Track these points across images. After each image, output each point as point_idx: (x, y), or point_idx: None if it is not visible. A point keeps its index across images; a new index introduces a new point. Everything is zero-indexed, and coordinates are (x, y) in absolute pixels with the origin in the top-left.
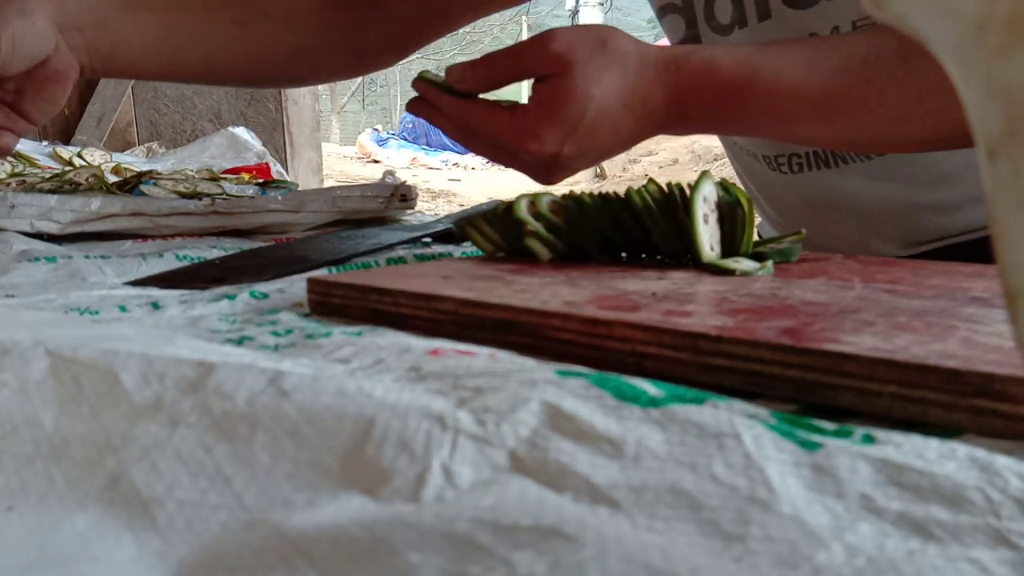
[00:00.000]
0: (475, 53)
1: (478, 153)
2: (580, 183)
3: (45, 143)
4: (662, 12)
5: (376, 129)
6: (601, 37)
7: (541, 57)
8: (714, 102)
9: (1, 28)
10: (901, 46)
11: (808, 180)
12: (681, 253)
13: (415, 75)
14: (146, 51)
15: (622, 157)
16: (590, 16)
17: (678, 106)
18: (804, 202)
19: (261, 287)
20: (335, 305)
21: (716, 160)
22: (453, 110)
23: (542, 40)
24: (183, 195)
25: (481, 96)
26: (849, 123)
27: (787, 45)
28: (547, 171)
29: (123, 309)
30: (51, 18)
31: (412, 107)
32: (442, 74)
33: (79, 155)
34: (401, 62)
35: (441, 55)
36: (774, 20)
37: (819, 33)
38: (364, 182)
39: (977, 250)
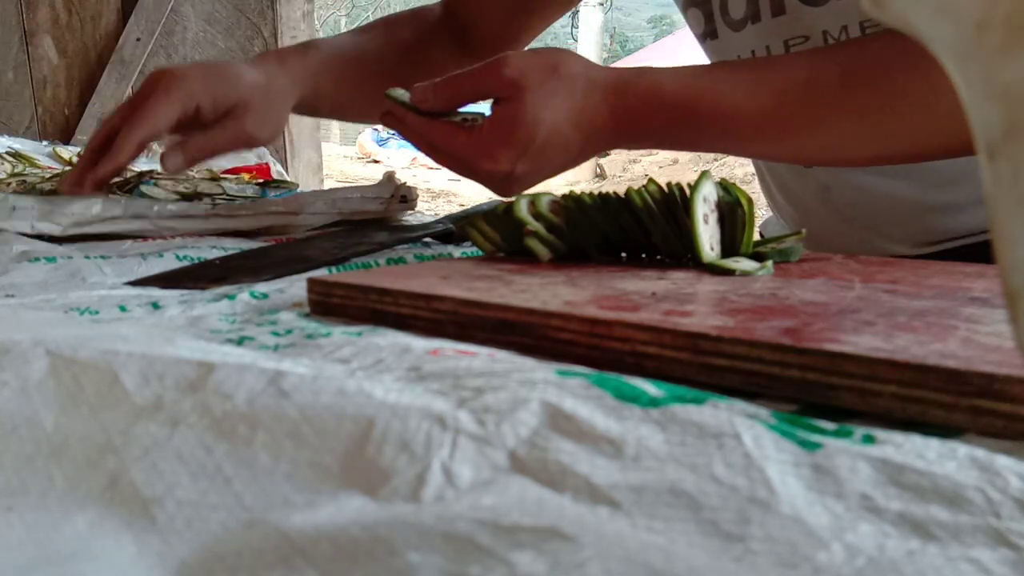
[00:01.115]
0: None
1: (442, 165)
2: (580, 183)
3: (45, 143)
4: (685, 6)
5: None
6: (552, 62)
7: (495, 81)
8: (659, 123)
9: (281, 113)
10: (845, 71)
11: (821, 174)
12: (681, 253)
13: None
14: (334, 109)
15: (622, 157)
16: (590, 16)
17: (625, 126)
18: (816, 197)
19: (261, 287)
20: (335, 305)
21: (716, 160)
22: (417, 127)
23: (496, 65)
24: (183, 195)
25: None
26: (792, 142)
27: (731, 68)
28: (503, 186)
29: (123, 309)
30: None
31: (383, 120)
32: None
33: (79, 155)
34: None
35: None
36: (788, 16)
37: (830, 31)
38: (364, 182)
39: (984, 252)
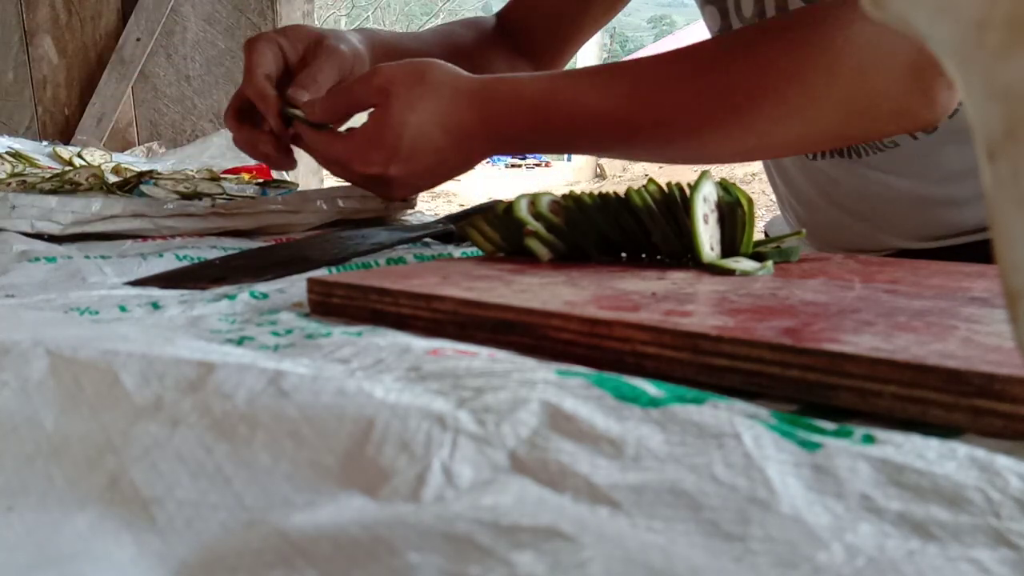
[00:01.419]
0: None
1: (331, 173)
2: (580, 183)
3: (45, 143)
4: (703, 4)
5: None
6: (420, 71)
7: (367, 91)
8: (524, 125)
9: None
10: (697, 68)
11: (824, 168)
12: (681, 253)
13: None
14: None
15: None
16: None
17: (493, 129)
18: (820, 191)
19: (261, 287)
20: (335, 305)
21: None
22: (308, 139)
23: (368, 76)
24: (183, 195)
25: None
26: (648, 141)
27: (589, 70)
28: (384, 188)
29: (123, 309)
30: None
31: (292, 140)
32: None
33: (79, 155)
34: None
35: None
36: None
37: None
38: None
39: (988, 250)
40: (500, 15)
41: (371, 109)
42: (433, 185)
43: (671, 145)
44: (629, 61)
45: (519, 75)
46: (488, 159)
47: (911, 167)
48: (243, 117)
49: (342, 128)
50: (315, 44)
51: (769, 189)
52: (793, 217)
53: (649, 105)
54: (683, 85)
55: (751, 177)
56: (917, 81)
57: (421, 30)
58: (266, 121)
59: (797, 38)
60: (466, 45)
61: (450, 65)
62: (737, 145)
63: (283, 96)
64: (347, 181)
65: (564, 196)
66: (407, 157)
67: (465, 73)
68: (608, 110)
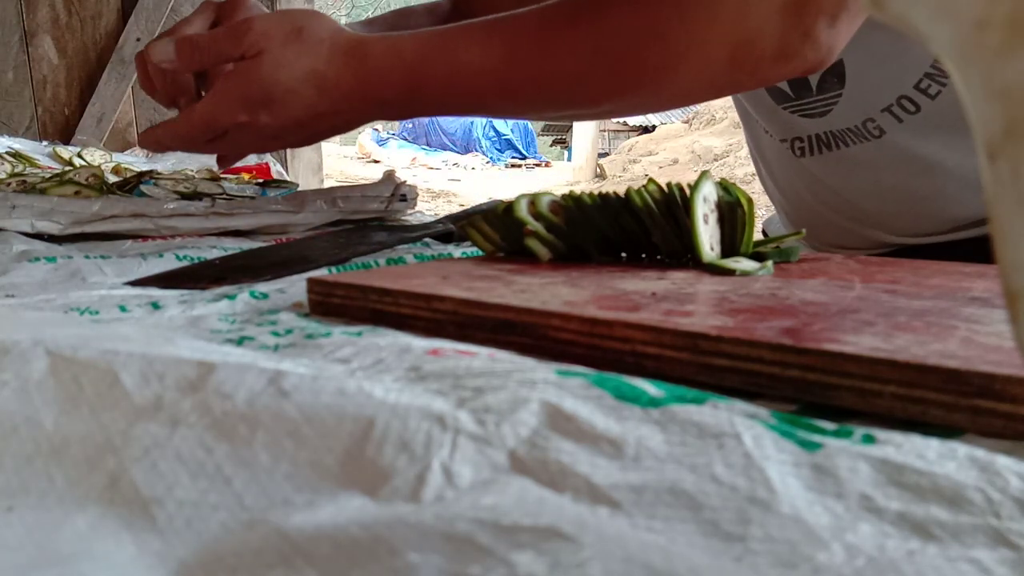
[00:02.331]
0: None
1: (202, 151)
2: (580, 183)
3: (45, 143)
4: None
5: (376, 129)
6: (297, 25)
7: (237, 42)
8: (403, 85)
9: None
10: (573, 16)
11: (810, 166)
12: (681, 253)
13: None
14: None
15: (622, 157)
16: None
17: (369, 89)
18: (808, 190)
19: (261, 287)
20: (335, 305)
21: (716, 160)
22: (172, 127)
23: (239, 27)
24: (183, 195)
25: None
26: (533, 93)
27: (468, 27)
28: (253, 138)
29: (123, 309)
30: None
31: (147, 145)
32: None
33: (79, 155)
34: None
35: None
36: None
37: None
38: (364, 182)
39: (984, 248)
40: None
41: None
42: (308, 141)
43: (554, 103)
44: (509, 14)
45: (402, 34)
46: (489, 157)
47: (896, 159)
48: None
49: None
50: (244, 9)
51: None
52: (783, 212)
53: (526, 62)
54: (559, 37)
55: (751, 177)
56: (795, 17)
57: (379, 15)
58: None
59: None
60: (421, 27)
61: (331, 19)
62: (625, 98)
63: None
64: (210, 151)
65: (564, 196)
66: (278, 111)
67: (344, 28)
68: (486, 69)
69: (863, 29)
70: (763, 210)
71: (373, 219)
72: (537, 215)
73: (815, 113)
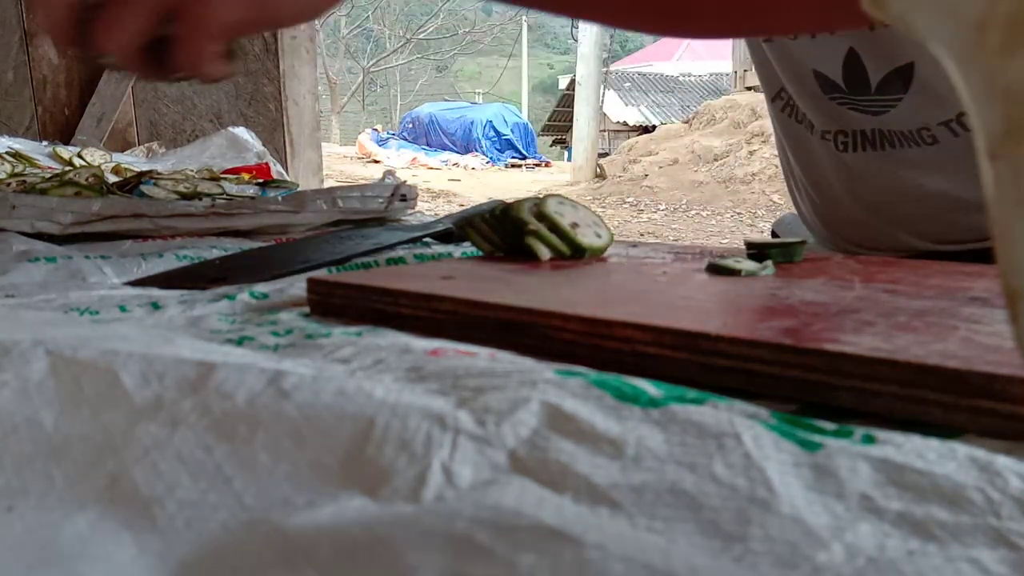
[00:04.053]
0: (475, 53)
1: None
2: (580, 183)
3: (45, 143)
4: None
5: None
6: None
7: None
8: None
9: None
10: None
11: (853, 163)
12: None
13: (414, 74)
14: None
15: (622, 157)
16: None
17: None
18: (845, 187)
19: (261, 287)
20: (335, 305)
21: (716, 160)
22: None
23: None
24: (183, 195)
25: None
26: None
27: None
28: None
29: (123, 309)
30: None
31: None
32: None
33: (79, 155)
34: (400, 61)
35: (441, 55)
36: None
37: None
38: (364, 182)
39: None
40: None
41: None
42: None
43: None
44: None
45: None
46: (489, 157)
47: (947, 165)
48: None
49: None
50: None
51: (770, 189)
52: (809, 205)
53: None
54: None
55: (751, 177)
56: None
57: None
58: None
59: None
60: None
61: None
62: None
63: None
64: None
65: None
66: None
67: None
68: None
69: None
70: (763, 210)
71: (373, 219)
72: (540, 215)
73: (868, 111)
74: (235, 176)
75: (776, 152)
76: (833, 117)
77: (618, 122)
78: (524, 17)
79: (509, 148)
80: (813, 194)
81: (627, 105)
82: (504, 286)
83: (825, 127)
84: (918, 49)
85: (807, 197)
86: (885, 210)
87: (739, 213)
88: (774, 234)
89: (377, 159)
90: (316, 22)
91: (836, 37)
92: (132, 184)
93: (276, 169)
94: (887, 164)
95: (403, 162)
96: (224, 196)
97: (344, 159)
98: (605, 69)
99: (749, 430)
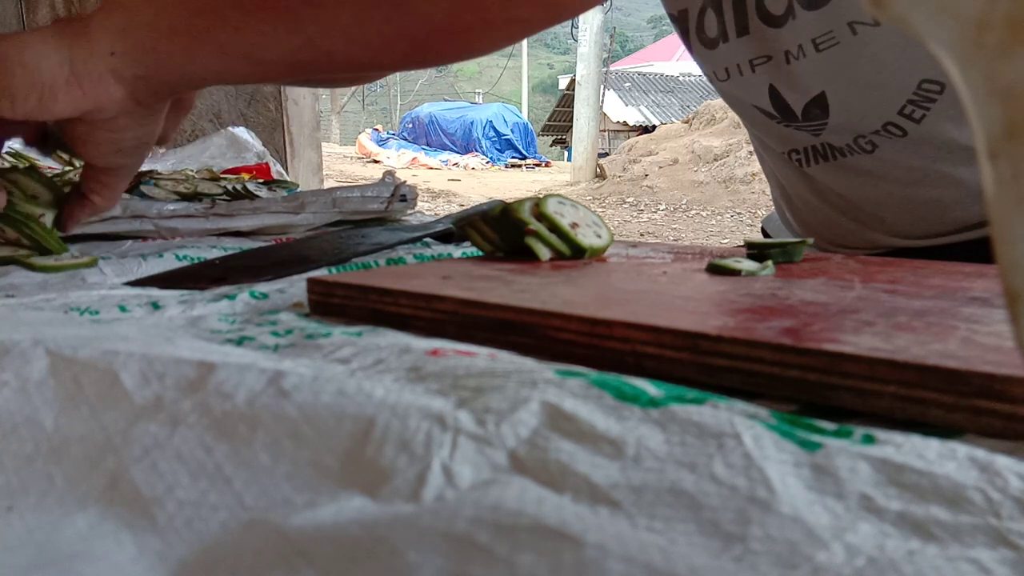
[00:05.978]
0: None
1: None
2: (580, 183)
3: None
4: (670, 21)
5: (376, 129)
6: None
7: None
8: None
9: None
10: None
11: (813, 174)
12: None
13: (414, 74)
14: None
15: (622, 157)
16: (590, 16)
17: (97, 35)
18: (812, 191)
19: (261, 287)
20: (335, 305)
21: (716, 160)
22: None
23: None
24: (183, 195)
25: None
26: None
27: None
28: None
29: (123, 309)
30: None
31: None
32: None
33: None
34: None
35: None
36: (752, 36)
37: (790, 51)
38: (364, 182)
39: (983, 250)
40: None
41: None
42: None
43: (335, 28)
44: None
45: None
46: (489, 157)
47: (890, 170)
48: None
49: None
50: None
51: (768, 188)
52: (789, 211)
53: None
54: None
55: (751, 177)
56: None
57: None
58: None
59: None
60: None
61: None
62: (402, 26)
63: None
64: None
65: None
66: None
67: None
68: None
69: (842, 62)
70: (763, 210)
71: (373, 219)
72: (540, 215)
73: (807, 131)
74: (235, 176)
75: None
76: (783, 138)
77: (618, 122)
78: None
79: (509, 148)
80: (788, 201)
81: (627, 105)
82: (504, 286)
83: (780, 147)
84: (823, 78)
85: (784, 204)
86: (853, 211)
87: (739, 213)
88: (764, 232)
89: (377, 159)
90: None
91: (757, 76)
92: (132, 184)
93: (276, 169)
94: (841, 172)
95: (403, 162)
96: (224, 196)
97: (344, 159)
98: (605, 69)
99: (749, 430)
